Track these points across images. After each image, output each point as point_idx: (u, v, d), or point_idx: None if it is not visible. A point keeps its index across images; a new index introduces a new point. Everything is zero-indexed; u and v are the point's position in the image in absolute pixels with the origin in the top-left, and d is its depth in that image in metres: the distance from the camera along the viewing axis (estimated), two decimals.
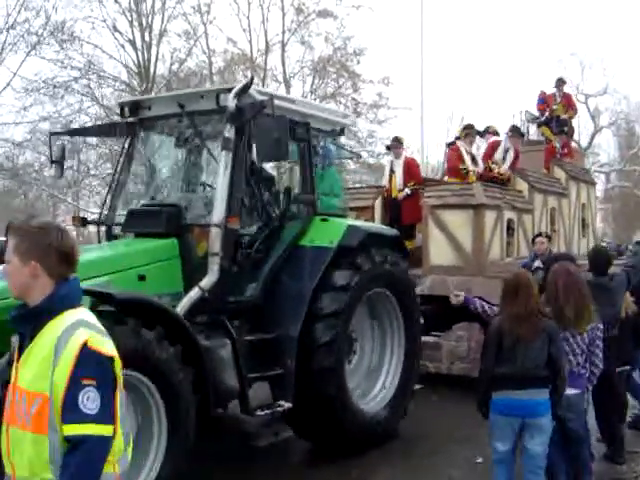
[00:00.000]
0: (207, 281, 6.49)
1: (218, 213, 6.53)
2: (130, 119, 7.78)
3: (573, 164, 13.22)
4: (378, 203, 10.95)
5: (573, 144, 14.77)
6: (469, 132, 11.47)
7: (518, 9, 76.92)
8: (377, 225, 8.65)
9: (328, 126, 8.06)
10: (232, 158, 6.66)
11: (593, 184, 14.32)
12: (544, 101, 14.55)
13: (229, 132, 6.62)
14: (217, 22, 39.93)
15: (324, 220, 7.61)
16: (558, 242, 12.30)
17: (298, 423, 7.32)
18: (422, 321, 8.49)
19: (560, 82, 14.41)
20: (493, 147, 11.95)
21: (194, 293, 6.45)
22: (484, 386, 5.19)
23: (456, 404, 9.00)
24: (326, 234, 7.44)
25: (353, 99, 39.55)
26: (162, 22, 33.42)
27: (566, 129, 13.48)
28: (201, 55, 36.19)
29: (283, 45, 37.21)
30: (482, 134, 12.90)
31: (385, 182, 11.37)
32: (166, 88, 32.43)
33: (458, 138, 12.41)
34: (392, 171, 11.33)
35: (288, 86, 38.34)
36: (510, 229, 10.68)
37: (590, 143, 42.38)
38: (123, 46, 32.19)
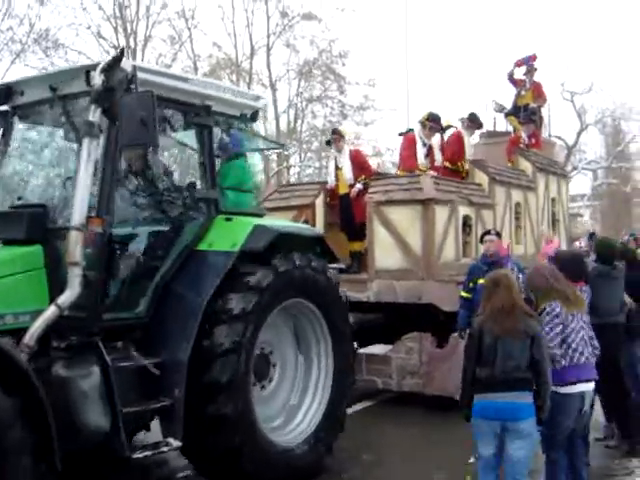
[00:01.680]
0: (66, 297, 5.15)
1: (78, 214, 5.22)
2: (2, 107, 6.34)
3: (541, 155, 11.66)
4: (320, 201, 9.47)
5: (545, 135, 13.16)
6: (432, 125, 9.94)
7: (503, 9, 75.45)
8: (295, 224, 7.20)
9: (235, 110, 6.64)
10: (101, 146, 5.39)
11: (565, 177, 12.73)
12: (514, 82, 13.05)
13: (94, 115, 5.33)
14: (202, 27, 38.98)
15: (228, 220, 6.19)
16: (525, 240, 10.77)
17: (194, 454, 5.96)
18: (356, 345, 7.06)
19: (530, 69, 12.87)
20: (460, 141, 10.41)
21: (50, 312, 5.12)
22: (467, 388, 4.90)
23: (408, 424, 8.20)
24: (228, 236, 6.13)
25: (339, 101, 38.73)
26: (147, 28, 33.38)
27: (535, 118, 11.92)
28: (186, 60, 35.86)
29: (268, 49, 36.81)
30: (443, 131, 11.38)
31: (331, 180, 9.85)
32: None
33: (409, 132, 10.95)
34: (338, 167, 9.84)
35: (274, 89, 37.66)
36: (467, 226, 9.21)
37: (576, 141, 41.05)
38: (108, 52, 32.59)
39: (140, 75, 5.52)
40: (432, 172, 9.54)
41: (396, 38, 69.30)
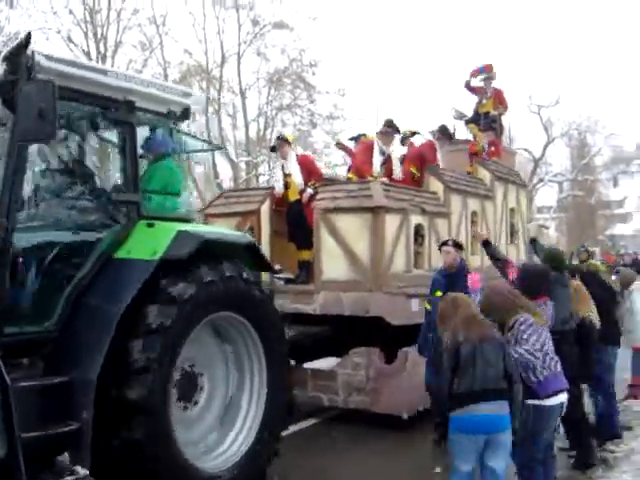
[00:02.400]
0: None
1: None
2: None
3: (500, 163, 11.17)
4: (266, 208, 8.87)
5: (508, 145, 12.68)
6: (388, 130, 9.40)
7: (473, 22, 75.84)
8: (225, 231, 6.59)
9: (162, 106, 6.03)
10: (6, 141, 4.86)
11: (523, 186, 12.24)
12: (473, 90, 12.56)
13: None
14: (173, 33, 38.38)
15: (150, 225, 5.60)
16: (482, 250, 10.24)
17: None
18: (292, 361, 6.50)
19: (489, 76, 12.39)
20: (434, 150, 9.89)
21: None
22: (443, 406, 4.79)
23: (357, 442, 7.64)
24: (149, 243, 5.57)
25: (309, 110, 38.30)
26: (117, 33, 32.89)
27: (494, 126, 11.43)
28: (156, 67, 35.10)
29: (239, 56, 36.48)
30: (402, 141, 10.88)
31: (278, 187, 9.25)
32: None
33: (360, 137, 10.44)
34: (285, 174, 9.26)
35: (244, 97, 37.22)
36: (419, 236, 8.66)
37: (543, 153, 41.00)
38: (78, 57, 31.20)
39: (49, 64, 5.03)
40: (384, 179, 8.99)
41: (366, 48, 69.31)
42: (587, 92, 74.42)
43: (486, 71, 12.35)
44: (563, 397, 5.13)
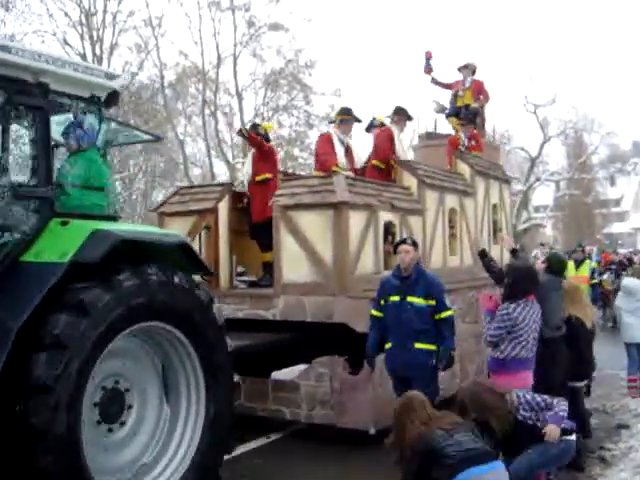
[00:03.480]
0: None
1: None
2: None
3: (481, 157, 10.32)
4: (224, 205, 8.05)
5: (489, 138, 11.82)
6: (346, 117, 8.56)
7: (467, 22, 74.94)
8: (152, 230, 5.75)
9: (83, 90, 5.23)
10: None
11: (507, 182, 11.35)
12: (441, 85, 11.73)
13: None
14: (169, 35, 37.82)
15: (64, 224, 4.80)
16: (462, 250, 9.41)
17: None
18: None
19: (465, 67, 11.52)
20: (390, 138, 9.08)
21: None
22: None
23: (321, 460, 6.83)
24: (60, 244, 4.84)
25: (305, 111, 37.66)
26: (113, 35, 32.49)
27: (475, 119, 10.56)
28: (153, 68, 34.58)
29: (235, 58, 36.00)
30: (368, 129, 10.09)
31: (246, 180, 8.47)
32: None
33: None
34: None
35: (240, 99, 36.62)
36: (389, 235, 7.82)
37: (539, 152, 40.03)
38: None
39: None
40: (349, 172, 8.16)
41: (362, 49, 68.47)
42: (583, 91, 73.46)
43: (427, 56, 11.54)
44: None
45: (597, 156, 41.95)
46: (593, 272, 10.36)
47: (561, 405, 5.01)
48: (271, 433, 7.71)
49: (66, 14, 30.57)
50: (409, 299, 6.32)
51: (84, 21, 31.12)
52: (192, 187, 8.77)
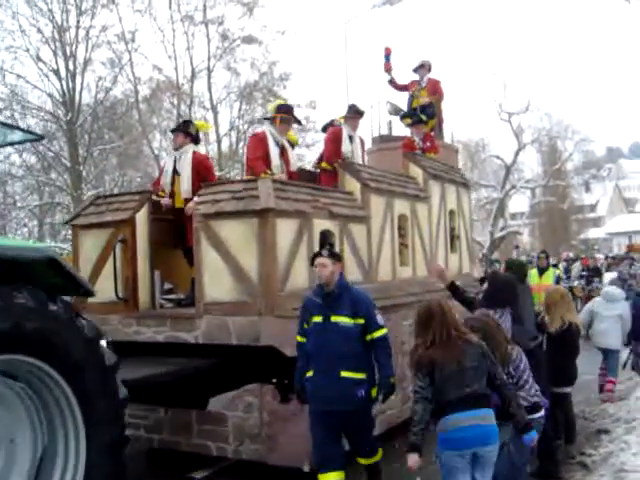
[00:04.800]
0: None
1: None
2: None
3: (436, 160, 9.32)
4: (143, 215, 6.98)
5: (447, 141, 10.81)
6: (285, 117, 7.53)
7: (441, 32, 74.48)
8: (12, 243, 4.65)
9: None
10: None
11: (466, 186, 10.31)
12: (398, 87, 10.77)
13: None
14: (142, 50, 36.84)
15: None
16: (414, 260, 8.38)
17: None
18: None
19: (421, 67, 10.57)
20: (335, 138, 8.11)
21: None
22: (423, 419, 4.30)
23: None
24: None
25: None
26: (86, 51, 31.67)
27: (425, 118, 9.56)
28: (127, 83, 33.74)
29: (209, 71, 35.20)
30: (324, 129, 9.19)
31: (167, 188, 7.42)
32: (92, 117, 30.19)
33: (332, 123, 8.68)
34: (176, 172, 7.40)
35: (215, 112, 35.72)
36: (328, 245, 6.76)
37: (514, 160, 39.33)
38: (47, 76, 31.45)
39: None
40: (282, 175, 7.13)
41: (337, 61, 67.83)
42: (557, 98, 73.22)
43: (386, 53, 10.61)
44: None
45: (572, 163, 41.22)
46: (558, 280, 9.47)
47: (534, 397, 4.97)
48: (195, 471, 6.63)
49: (39, 30, 29.78)
50: (333, 319, 5.30)
51: (57, 37, 30.25)
52: (108, 196, 7.69)
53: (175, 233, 7.38)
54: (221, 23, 34.45)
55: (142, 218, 6.98)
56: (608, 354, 9.22)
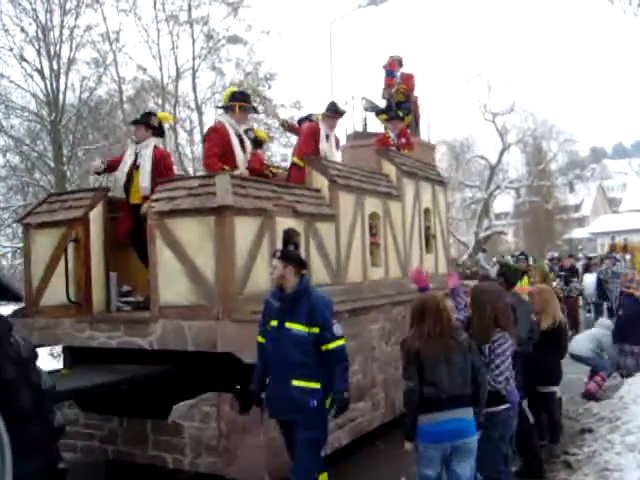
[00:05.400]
0: None
1: None
2: None
3: (410, 156, 8.88)
4: (97, 214, 6.52)
5: (423, 138, 10.39)
6: (244, 105, 7.04)
7: (425, 32, 74.23)
8: None
9: None
10: None
11: (442, 183, 9.85)
12: (388, 84, 10.31)
13: None
14: (126, 49, 36.24)
15: None
16: (386, 260, 7.95)
17: None
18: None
19: (395, 60, 10.12)
20: (313, 133, 7.69)
21: None
22: (411, 407, 4.43)
23: None
24: None
25: (266, 124, 36.23)
26: (70, 50, 30.79)
27: (401, 113, 9.13)
28: (111, 83, 33.10)
29: (194, 71, 34.51)
30: (299, 122, 8.77)
31: (120, 178, 6.96)
32: (76, 117, 29.61)
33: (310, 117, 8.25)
34: (136, 166, 6.93)
35: (200, 112, 35.14)
36: (291, 245, 6.34)
37: (499, 160, 38.94)
38: (31, 75, 30.46)
39: None
40: (242, 171, 6.68)
41: (321, 60, 67.36)
42: (541, 99, 73.01)
43: (389, 69, 10.13)
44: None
45: (556, 163, 40.78)
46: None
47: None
48: None
49: (22, 29, 29.07)
50: (287, 325, 4.88)
51: (41, 36, 29.68)
52: (62, 193, 7.22)
53: (133, 231, 6.90)
54: (206, 23, 33.87)
55: (97, 216, 6.52)
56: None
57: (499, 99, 39.33)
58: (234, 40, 34.56)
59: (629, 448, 6.15)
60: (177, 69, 33.58)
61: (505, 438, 5.01)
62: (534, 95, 70.77)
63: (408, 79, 10.07)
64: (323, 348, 4.87)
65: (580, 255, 26.61)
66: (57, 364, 7.18)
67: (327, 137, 7.79)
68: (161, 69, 33.60)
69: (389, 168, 8.29)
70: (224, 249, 5.74)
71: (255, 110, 7.27)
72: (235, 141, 6.80)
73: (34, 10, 29.03)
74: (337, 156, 8.09)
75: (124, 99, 32.68)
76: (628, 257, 20.61)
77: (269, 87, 35.74)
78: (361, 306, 6.94)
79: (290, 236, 6.46)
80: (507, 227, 42.63)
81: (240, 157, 6.82)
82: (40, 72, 29.37)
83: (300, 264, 5.08)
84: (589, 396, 8.84)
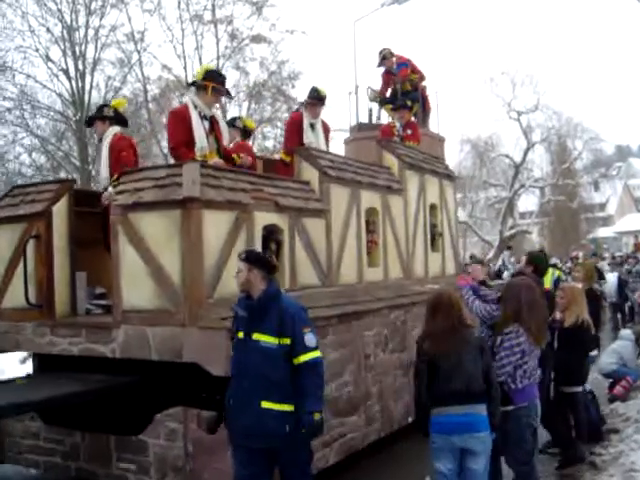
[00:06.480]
0: None
1: None
2: None
3: (415, 148, 8.01)
4: (61, 208, 5.80)
5: (432, 130, 9.50)
6: (217, 87, 6.08)
7: (449, 30, 72.78)
8: None
9: None
10: None
11: (450, 178, 8.85)
12: (386, 82, 9.46)
13: None
14: (151, 49, 35.79)
15: None
16: (386, 260, 7.12)
17: None
18: None
19: (384, 59, 9.27)
20: (294, 124, 6.92)
21: None
22: (421, 409, 4.41)
23: None
24: None
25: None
26: (95, 51, 30.64)
27: (409, 103, 8.27)
28: (136, 83, 32.76)
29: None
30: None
31: (103, 176, 6.26)
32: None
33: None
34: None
35: (224, 111, 34.51)
36: (273, 243, 5.55)
37: (524, 159, 37.69)
38: (57, 75, 30.28)
39: None
40: (216, 159, 5.86)
41: (345, 59, 66.35)
42: (566, 97, 71.00)
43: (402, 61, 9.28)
44: (537, 401, 4.85)
45: (581, 161, 39.36)
46: (557, 282, 8.27)
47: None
48: None
49: (48, 30, 28.97)
50: (255, 336, 4.11)
51: (66, 36, 29.45)
52: (27, 186, 6.52)
53: (98, 228, 6.15)
54: (230, 22, 33.34)
55: (61, 211, 5.79)
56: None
57: (524, 97, 37.71)
58: (258, 39, 33.88)
59: None
60: None
61: (524, 437, 4.72)
62: (559, 93, 68.70)
63: (410, 65, 9.19)
64: (295, 361, 4.11)
65: (606, 255, 25.47)
66: (28, 370, 6.48)
67: (312, 126, 6.97)
68: (185, 68, 33.02)
69: (391, 160, 7.44)
70: (190, 247, 4.96)
71: (229, 95, 6.36)
72: (197, 125, 5.85)
73: (59, 11, 28.80)
74: (325, 146, 7.21)
75: (149, 98, 32.24)
76: None
77: (293, 86, 35.05)
78: (354, 310, 6.12)
79: (271, 233, 5.67)
80: (532, 226, 41.25)
81: (201, 144, 5.89)
82: (65, 72, 29.19)
83: (268, 267, 4.30)
84: (615, 399, 8.44)
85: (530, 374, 4.71)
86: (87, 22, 29.33)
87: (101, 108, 6.58)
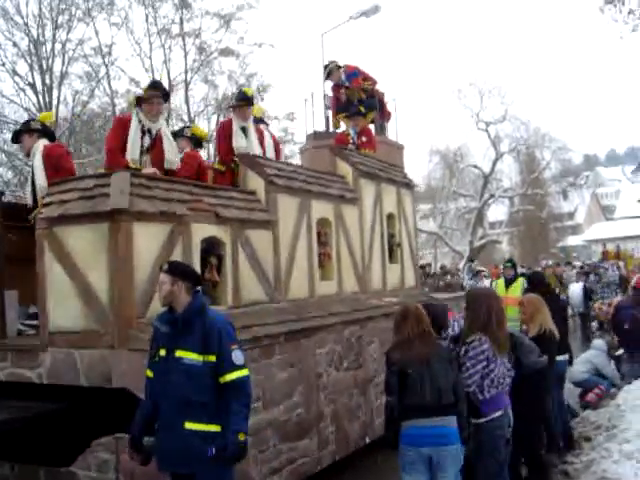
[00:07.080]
0: None
1: None
2: None
3: (372, 156, 7.68)
4: None
5: (391, 138, 9.18)
6: (153, 93, 5.73)
7: (417, 42, 73.29)
8: None
9: None
10: None
11: (408, 186, 8.56)
12: (336, 96, 9.12)
13: None
14: (119, 63, 35.40)
15: None
16: (340, 272, 6.75)
17: None
18: None
19: (330, 74, 8.98)
20: (222, 130, 6.58)
21: None
22: (391, 421, 4.31)
23: None
24: None
25: None
26: (63, 64, 30.21)
27: (363, 109, 7.96)
28: (104, 97, 32.35)
29: (186, 84, 33.58)
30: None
31: (28, 189, 5.83)
32: (69, 131, 28.84)
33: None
34: (34, 179, 5.79)
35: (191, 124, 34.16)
36: (213, 257, 5.16)
37: (493, 169, 37.78)
38: (24, 90, 29.96)
39: None
40: (151, 169, 5.46)
41: (314, 71, 66.55)
42: (534, 107, 71.71)
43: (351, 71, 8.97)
44: (509, 410, 4.73)
45: (549, 171, 39.50)
46: (526, 291, 8.06)
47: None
48: None
49: (14, 44, 28.56)
50: (178, 354, 3.74)
51: (33, 50, 28.97)
52: None
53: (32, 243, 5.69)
54: (198, 36, 33.14)
55: None
56: None
57: (492, 108, 37.85)
58: (226, 52, 33.68)
59: (627, 456, 5.89)
60: (169, 82, 32.69)
61: (498, 448, 4.63)
62: (526, 104, 69.45)
63: (361, 74, 8.90)
64: (221, 380, 3.75)
65: (576, 263, 25.43)
66: None
67: (244, 130, 6.58)
68: None
69: (345, 168, 7.10)
70: (119, 263, 4.56)
71: (165, 96, 5.90)
72: (133, 136, 5.46)
73: (26, 25, 28.36)
74: (259, 149, 6.74)
75: (117, 112, 31.79)
76: (622, 264, 19.58)
77: (262, 99, 34.83)
78: (303, 327, 5.74)
79: (212, 246, 5.27)
80: (502, 236, 41.35)
81: (133, 156, 5.48)
82: (32, 86, 28.84)
83: (193, 279, 3.93)
84: (587, 407, 8.47)
85: (498, 382, 4.60)
86: (54, 36, 28.94)
87: (27, 122, 6.19)
